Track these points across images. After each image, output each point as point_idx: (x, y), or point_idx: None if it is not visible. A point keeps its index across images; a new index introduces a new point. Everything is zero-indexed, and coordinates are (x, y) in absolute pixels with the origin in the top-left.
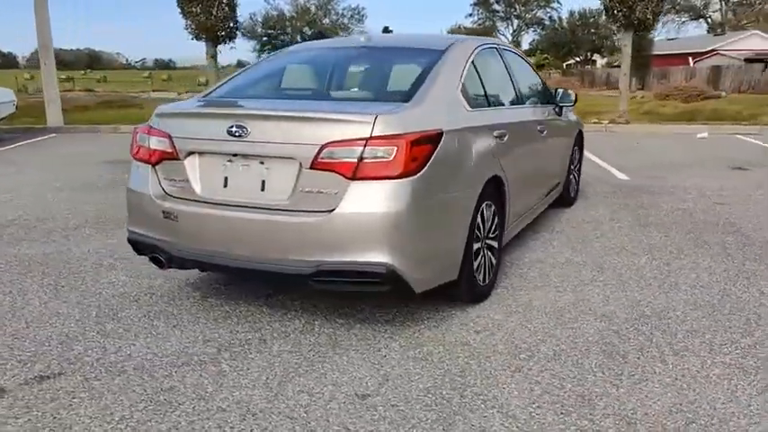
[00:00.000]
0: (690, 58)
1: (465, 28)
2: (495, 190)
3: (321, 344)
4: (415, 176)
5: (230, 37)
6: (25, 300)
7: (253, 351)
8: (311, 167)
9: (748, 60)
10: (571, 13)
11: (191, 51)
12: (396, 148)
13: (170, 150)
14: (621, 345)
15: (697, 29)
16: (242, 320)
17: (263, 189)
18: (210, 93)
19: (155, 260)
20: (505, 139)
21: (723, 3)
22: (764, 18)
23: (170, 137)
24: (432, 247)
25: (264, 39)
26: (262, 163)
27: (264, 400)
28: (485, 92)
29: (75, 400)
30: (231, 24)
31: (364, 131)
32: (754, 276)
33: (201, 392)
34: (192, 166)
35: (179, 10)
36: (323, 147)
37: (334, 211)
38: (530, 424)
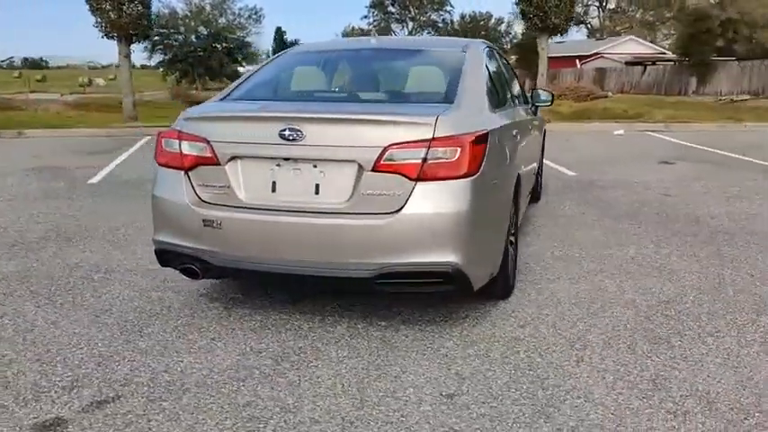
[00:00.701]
0: (577, 61)
1: (360, 29)
2: (515, 187)
3: (377, 347)
4: (475, 176)
5: (145, 36)
6: (29, 321)
7: (311, 359)
8: (373, 170)
9: (628, 63)
10: (462, 16)
11: (64, 50)
12: (459, 149)
13: (208, 155)
14: (659, 330)
15: (578, 33)
16: (281, 329)
17: (317, 193)
18: (229, 94)
19: (187, 271)
20: (518, 138)
21: (600, 10)
22: (636, 24)
23: (208, 141)
24: (486, 244)
25: (156, 38)
26: (315, 166)
27: (353, 407)
28: (497, 92)
29: (152, 422)
30: (145, 22)
31: (427, 133)
32: (737, 260)
33: (283, 405)
34: (234, 171)
35: (87, 6)
36: (386, 149)
37: (400, 213)
38: (621, 410)
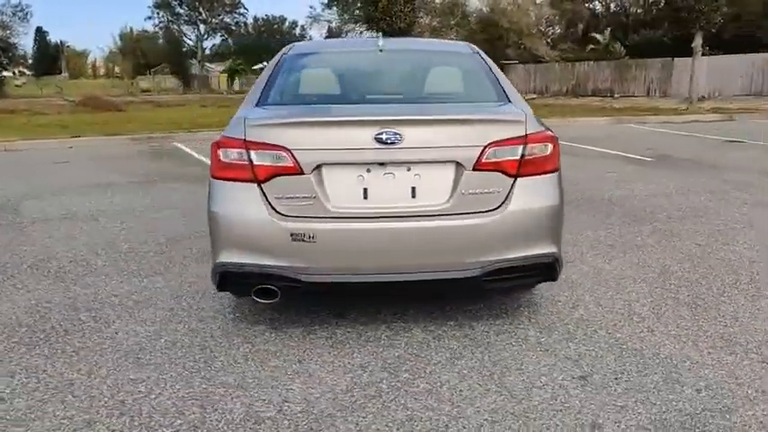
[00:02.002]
0: None
1: (145, 31)
2: None
3: (470, 345)
4: (560, 169)
5: None
6: (56, 375)
7: (422, 365)
8: (474, 169)
9: None
10: (255, 19)
11: None
12: (551, 145)
13: (289, 165)
14: (681, 297)
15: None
16: (360, 342)
17: (413, 196)
18: (260, 100)
19: (261, 292)
20: None
21: None
22: (426, 30)
23: (288, 149)
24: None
25: None
26: (409, 169)
27: (512, 403)
28: None
29: None
30: None
31: (520, 130)
32: (676, 234)
33: (445, 413)
34: (319, 179)
35: None
36: (486, 147)
37: (504, 209)
38: (725, 366)
